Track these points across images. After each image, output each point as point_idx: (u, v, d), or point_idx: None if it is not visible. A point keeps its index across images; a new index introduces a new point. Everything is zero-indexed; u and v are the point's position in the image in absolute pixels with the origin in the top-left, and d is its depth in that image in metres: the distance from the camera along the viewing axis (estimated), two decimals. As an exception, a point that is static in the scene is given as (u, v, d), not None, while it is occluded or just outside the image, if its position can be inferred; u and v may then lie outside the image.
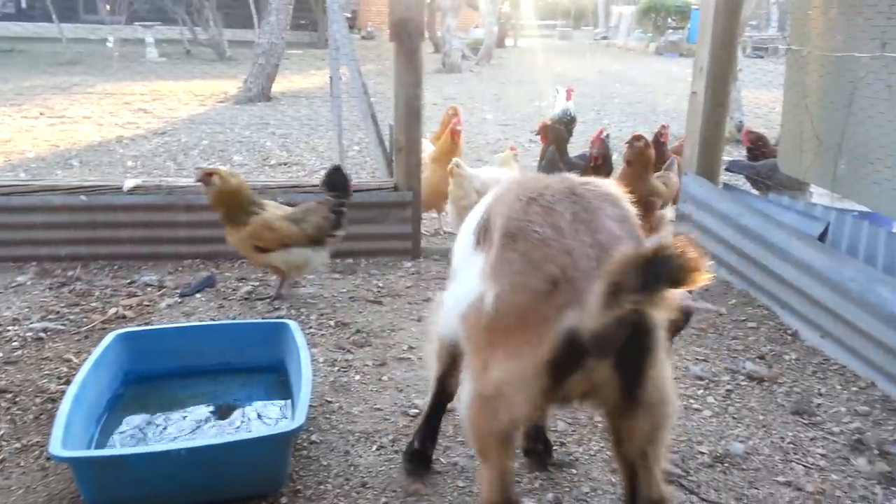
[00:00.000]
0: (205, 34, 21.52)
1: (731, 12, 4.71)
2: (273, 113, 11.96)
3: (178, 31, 21.39)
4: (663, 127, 6.18)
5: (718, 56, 4.78)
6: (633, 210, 2.00)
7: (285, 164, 8.34)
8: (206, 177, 3.98)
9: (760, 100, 12.58)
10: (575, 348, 1.66)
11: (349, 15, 32.99)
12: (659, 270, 1.48)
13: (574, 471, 2.74)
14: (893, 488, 2.67)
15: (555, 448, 2.84)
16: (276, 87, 13.96)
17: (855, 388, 3.37)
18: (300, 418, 2.48)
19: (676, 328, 2.80)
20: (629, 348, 1.68)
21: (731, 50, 4.83)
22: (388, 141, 5.43)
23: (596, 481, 2.68)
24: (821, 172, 4.27)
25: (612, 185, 2.06)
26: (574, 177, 2.07)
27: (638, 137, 4.79)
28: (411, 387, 3.33)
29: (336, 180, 4.26)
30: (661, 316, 1.69)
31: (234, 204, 4.02)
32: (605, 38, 34.17)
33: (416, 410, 3.11)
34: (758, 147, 5.80)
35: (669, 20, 28.96)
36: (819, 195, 5.25)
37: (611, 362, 1.72)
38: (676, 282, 1.49)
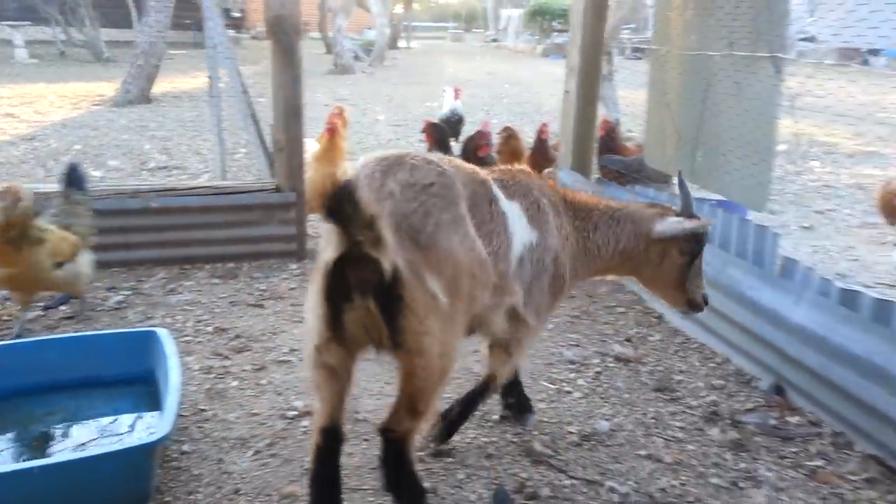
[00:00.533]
0: (80, 35, 20.33)
1: (598, 16, 4.94)
2: (153, 115, 11.46)
3: (51, 32, 20.09)
4: (544, 125, 6.43)
5: (588, 57, 5.01)
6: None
7: (165, 167, 8.01)
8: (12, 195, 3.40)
9: (637, 99, 13.23)
10: (336, 281, 2.00)
11: (238, 14, 32.12)
12: (339, 203, 1.86)
13: (450, 459, 2.79)
14: (742, 454, 2.89)
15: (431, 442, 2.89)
16: (158, 89, 13.39)
17: (712, 364, 3.62)
18: (164, 429, 2.40)
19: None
20: (387, 294, 1.97)
21: (599, 51, 5.06)
22: (270, 142, 5.34)
23: (471, 467, 2.74)
24: (681, 165, 4.55)
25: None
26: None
27: (505, 128, 4.96)
28: (291, 389, 3.29)
29: (74, 177, 4.00)
30: (404, 266, 1.95)
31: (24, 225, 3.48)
32: (495, 40, 34.92)
33: (295, 412, 3.08)
34: (611, 136, 6.14)
35: (555, 23, 29.97)
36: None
37: (375, 304, 2.00)
38: (352, 217, 1.86)
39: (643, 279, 2.93)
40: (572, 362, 3.64)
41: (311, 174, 5.24)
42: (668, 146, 4.60)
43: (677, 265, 2.77)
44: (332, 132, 5.33)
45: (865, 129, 10.01)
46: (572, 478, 2.69)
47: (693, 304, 2.84)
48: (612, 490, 2.63)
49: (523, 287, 2.52)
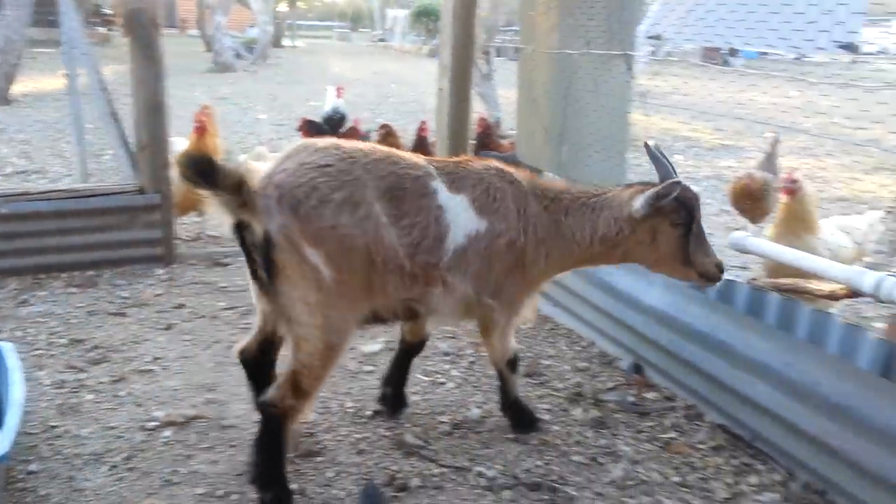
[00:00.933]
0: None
1: (467, 16, 5.00)
2: (11, 117, 10.63)
3: None
4: (423, 122, 6.50)
5: (459, 55, 5.07)
6: None
7: (24, 172, 7.45)
8: None
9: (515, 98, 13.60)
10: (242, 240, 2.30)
11: (111, 12, 30.32)
12: (202, 168, 2.11)
13: (320, 458, 2.76)
14: (603, 431, 3.03)
15: (303, 438, 2.85)
16: (17, 89, 12.43)
17: (578, 348, 3.78)
18: (1, 448, 2.23)
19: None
20: (267, 257, 2.23)
21: (471, 49, 5.14)
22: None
23: (341, 465, 2.73)
24: (550, 159, 4.71)
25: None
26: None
27: (383, 126, 4.96)
28: (152, 400, 3.14)
29: None
30: (277, 236, 2.20)
31: None
32: (382, 40, 34.87)
33: (156, 423, 2.95)
34: (487, 133, 6.31)
35: (440, 24, 30.19)
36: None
37: (261, 265, 2.27)
38: (217, 182, 2.13)
39: (645, 262, 2.76)
40: (447, 354, 3.69)
41: (178, 174, 5.03)
42: (538, 141, 4.74)
43: (674, 239, 2.60)
44: (200, 131, 5.14)
45: (724, 124, 10.74)
46: (442, 466, 2.73)
47: (706, 275, 2.62)
48: (480, 475, 2.69)
49: (471, 276, 2.58)
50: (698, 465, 2.81)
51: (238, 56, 21.47)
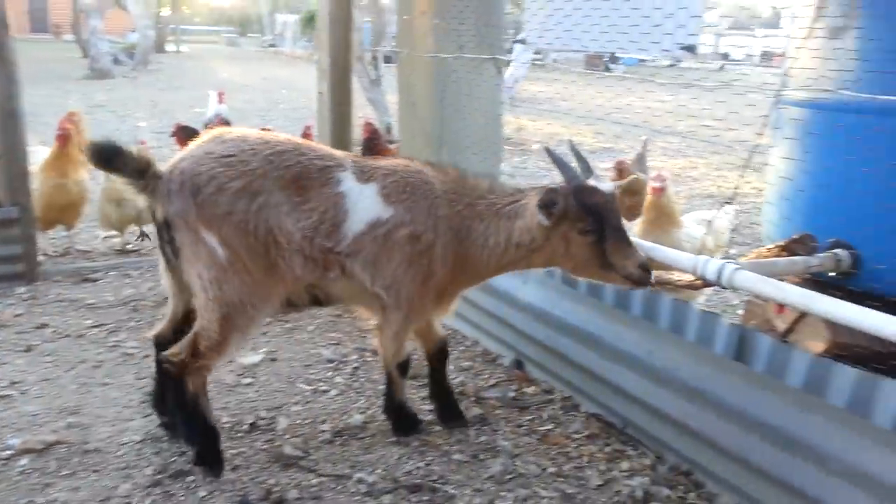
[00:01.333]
0: None
1: (343, 20, 4.97)
2: None
3: None
4: (308, 127, 6.41)
5: (337, 59, 5.03)
6: None
7: None
8: None
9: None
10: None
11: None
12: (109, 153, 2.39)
13: (192, 477, 2.64)
14: (484, 428, 3.07)
15: (174, 459, 2.73)
16: None
17: (462, 348, 3.82)
18: None
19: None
20: (170, 235, 2.49)
21: (348, 51, 5.10)
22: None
23: (214, 483, 2.62)
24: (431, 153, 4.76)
25: None
26: None
27: (263, 129, 4.84)
28: (8, 427, 2.91)
29: None
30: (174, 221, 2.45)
31: None
32: (272, 45, 34.13)
33: (11, 452, 2.73)
34: (373, 138, 6.31)
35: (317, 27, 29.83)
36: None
37: (168, 242, 2.51)
38: (122, 167, 2.42)
39: (566, 269, 2.71)
40: (331, 361, 3.64)
41: (40, 185, 4.71)
42: (419, 144, 4.78)
43: (586, 246, 2.47)
44: (63, 139, 4.84)
45: (604, 127, 11.23)
46: (321, 475, 2.68)
47: (629, 279, 2.46)
48: (360, 481, 2.66)
49: (369, 263, 2.60)
50: (573, 454, 2.90)
51: (117, 62, 20.46)
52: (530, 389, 3.39)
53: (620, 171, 4.71)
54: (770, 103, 2.37)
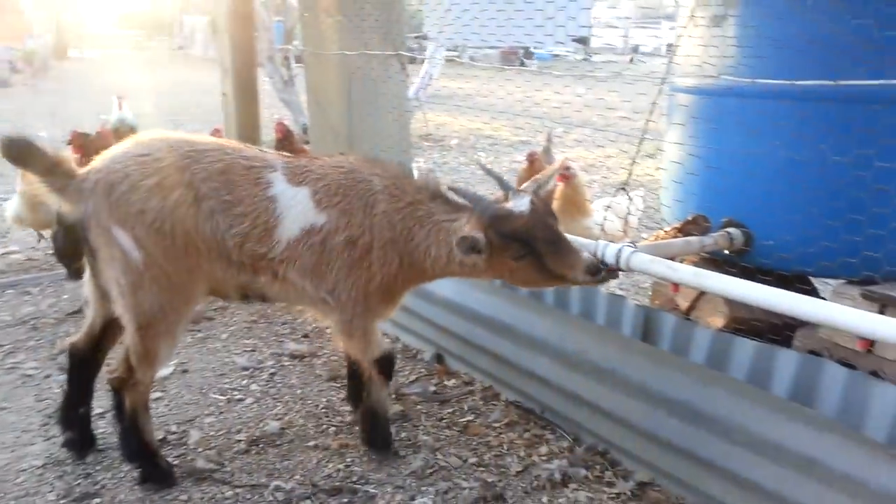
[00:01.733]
0: None
1: (244, 17, 4.86)
2: None
3: None
4: (216, 129, 6.23)
5: (240, 58, 4.91)
6: None
7: None
8: None
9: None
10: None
11: None
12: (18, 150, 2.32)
13: (98, 499, 2.53)
14: (405, 424, 3.06)
15: (79, 482, 2.60)
16: None
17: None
18: None
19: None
20: (85, 235, 2.42)
21: (252, 51, 4.99)
22: None
23: (124, 503, 2.51)
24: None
25: None
26: None
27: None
28: None
29: None
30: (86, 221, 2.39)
31: None
32: (181, 48, 33.04)
33: None
34: (286, 138, 6.22)
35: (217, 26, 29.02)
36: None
37: (86, 243, 2.44)
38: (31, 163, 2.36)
39: (518, 286, 2.62)
40: (246, 368, 3.54)
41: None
42: (329, 144, 4.72)
43: (525, 267, 2.35)
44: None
45: (522, 121, 11.38)
46: (236, 487, 2.61)
47: (579, 283, 2.36)
48: (277, 489, 2.60)
49: (308, 270, 2.51)
50: (494, 443, 2.92)
51: (14, 69, 19.36)
52: (451, 382, 3.40)
53: (532, 161, 4.79)
54: (658, 91, 2.45)
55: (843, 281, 2.55)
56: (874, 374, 2.31)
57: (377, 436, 2.80)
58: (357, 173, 2.57)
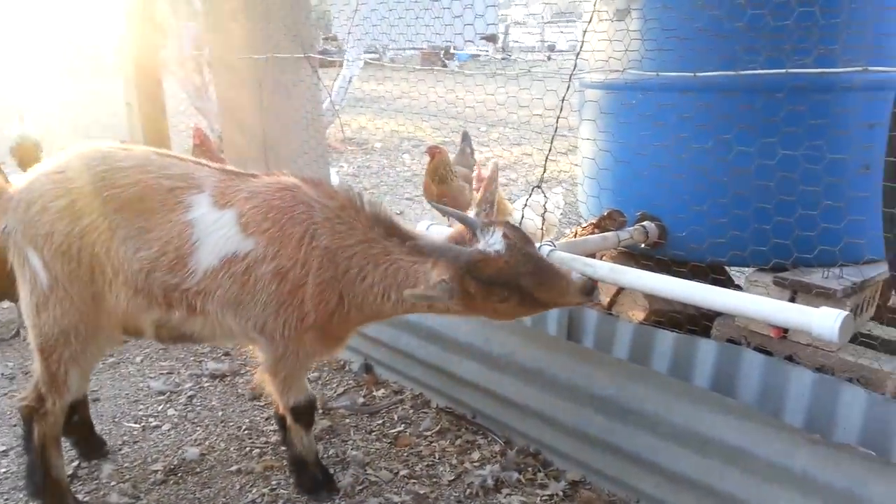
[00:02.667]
0: None
1: (146, 20, 4.64)
2: None
3: None
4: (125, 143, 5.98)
5: (143, 66, 4.69)
6: None
7: None
8: None
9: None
10: None
11: None
12: None
13: (-2, 548, 2.33)
14: (334, 439, 2.96)
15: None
16: None
17: (307, 360, 3.67)
18: None
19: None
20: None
21: (155, 59, 4.78)
22: None
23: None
24: (257, 167, 4.54)
25: None
26: None
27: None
28: None
29: None
30: None
31: None
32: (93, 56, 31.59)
33: None
34: (204, 145, 6.02)
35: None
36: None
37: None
38: None
39: (499, 319, 2.37)
40: (162, 392, 3.36)
41: None
42: (242, 152, 4.55)
43: (513, 306, 2.11)
44: None
45: (443, 122, 11.38)
46: (152, 521, 2.46)
47: (576, 303, 2.23)
48: (197, 520, 2.46)
49: (229, 304, 2.25)
50: (425, 452, 2.86)
51: None
52: (380, 392, 3.32)
53: (433, 156, 4.78)
54: (567, 87, 2.44)
55: (754, 269, 2.61)
56: (789, 358, 2.37)
57: (307, 481, 2.58)
58: (296, 196, 2.26)
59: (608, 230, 2.66)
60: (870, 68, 1.78)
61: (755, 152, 2.22)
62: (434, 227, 2.81)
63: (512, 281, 2.03)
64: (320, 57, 3.68)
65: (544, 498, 2.56)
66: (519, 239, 2.07)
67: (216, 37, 4.52)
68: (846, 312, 1.81)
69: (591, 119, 2.73)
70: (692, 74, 2.06)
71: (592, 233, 2.72)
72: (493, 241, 2.04)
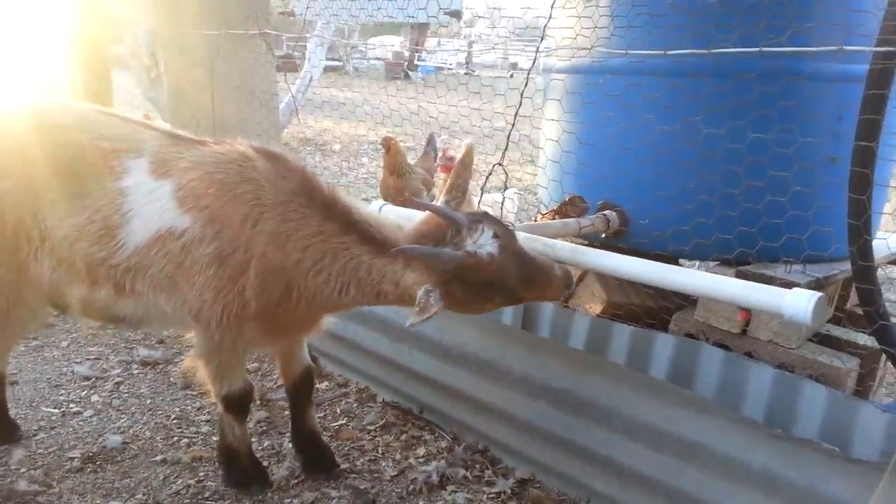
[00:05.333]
0: None
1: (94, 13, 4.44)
2: None
3: None
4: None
5: (89, 53, 4.49)
6: None
7: None
8: None
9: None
10: None
11: None
12: None
13: None
14: (271, 432, 2.78)
15: None
16: None
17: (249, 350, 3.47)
18: None
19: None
20: None
21: (103, 45, 4.57)
22: None
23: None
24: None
25: None
26: None
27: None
28: None
29: None
30: None
31: None
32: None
33: None
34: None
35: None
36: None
37: None
38: None
39: (472, 314, 2.14)
40: (87, 378, 3.12)
41: None
42: (194, 131, 4.35)
43: (499, 304, 2.01)
44: None
45: (408, 133, 11.29)
46: (63, 510, 2.24)
47: (555, 298, 2.09)
48: (114, 510, 2.25)
49: (163, 285, 2.04)
50: (368, 447, 2.70)
51: None
52: (323, 385, 3.14)
53: (389, 147, 4.68)
54: (533, 60, 2.35)
55: (715, 264, 2.54)
56: (748, 355, 2.30)
57: (237, 473, 2.38)
58: (243, 172, 2.01)
59: (569, 217, 2.56)
60: (845, 48, 1.72)
61: (724, 135, 2.15)
62: (387, 208, 2.67)
63: (501, 283, 1.87)
64: (283, 61, 3.52)
65: (491, 496, 2.42)
66: (506, 235, 1.89)
67: (166, 11, 4.33)
68: (820, 294, 1.73)
69: (556, 98, 2.64)
70: (662, 52, 1.98)
71: (553, 219, 2.62)
72: (482, 242, 1.84)
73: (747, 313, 1.93)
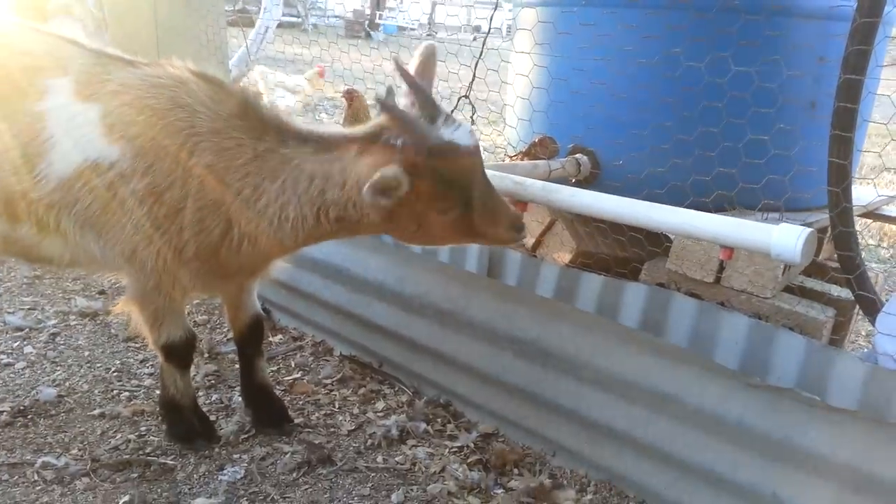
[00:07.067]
0: None
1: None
2: None
3: None
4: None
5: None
6: None
7: None
8: None
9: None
10: None
11: None
12: None
13: None
14: (220, 386, 2.62)
15: None
16: None
17: (197, 301, 3.27)
18: None
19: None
20: None
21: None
22: None
23: None
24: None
25: None
26: None
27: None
28: None
29: None
30: None
31: None
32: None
33: None
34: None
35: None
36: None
37: None
38: None
39: (406, 241, 1.99)
40: (20, 329, 2.91)
41: None
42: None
43: (446, 224, 1.75)
44: None
45: (368, 86, 10.98)
46: (-12, 466, 2.05)
47: (504, 239, 1.84)
48: (45, 466, 2.08)
49: (90, 223, 1.85)
50: (324, 401, 2.56)
51: None
52: (277, 338, 2.98)
53: (350, 99, 4.36)
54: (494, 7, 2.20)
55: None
56: (721, 304, 2.22)
57: (180, 428, 2.23)
58: (175, 98, 1.82)
59: (539, 159, 2.43)
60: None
61: (704, 68, 2.03)
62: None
63: (466, 189, 1.69)
64: (239, 15, 3.27)
65: (453, 450, 2.31)
66: (477, 142, 1.71)
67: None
68: (810, 229, 1.64)
69: (527, 28, 2.47)
70: (644, -22, 1.84)
71: (522, 161, 2.48)
72: (461, 134, 1.64)
73: (730, 251, 1.83)
